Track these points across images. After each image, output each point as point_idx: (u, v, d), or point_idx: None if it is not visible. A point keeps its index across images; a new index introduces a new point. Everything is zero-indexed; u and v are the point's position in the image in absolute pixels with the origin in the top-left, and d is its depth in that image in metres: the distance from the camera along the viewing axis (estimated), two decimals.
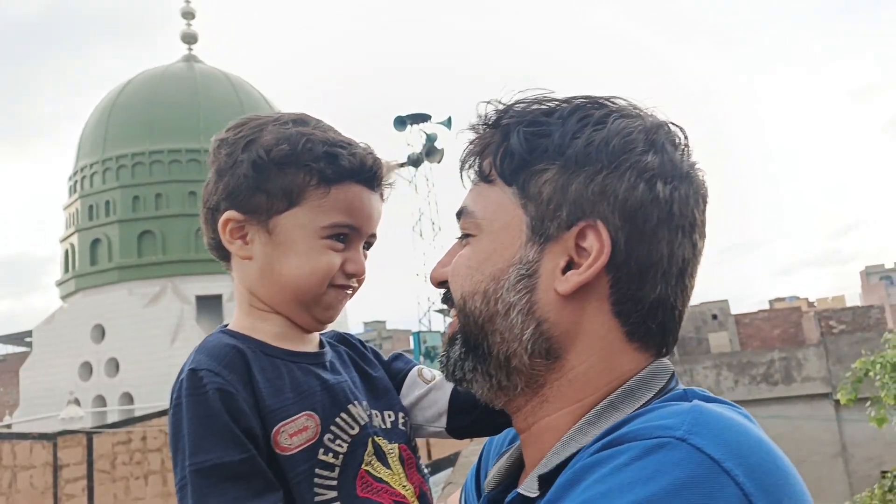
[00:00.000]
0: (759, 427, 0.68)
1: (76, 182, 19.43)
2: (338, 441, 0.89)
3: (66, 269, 19.14)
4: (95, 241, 18.58)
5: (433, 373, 1.04)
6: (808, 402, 19.64)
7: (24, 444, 9.68)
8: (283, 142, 0.95)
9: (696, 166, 0.77)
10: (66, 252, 19.25)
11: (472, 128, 0.79)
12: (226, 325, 0.99)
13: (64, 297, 19.69)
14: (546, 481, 0.67)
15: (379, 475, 0.92)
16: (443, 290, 0.83)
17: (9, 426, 16.92)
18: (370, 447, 0.92)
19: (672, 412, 0.63)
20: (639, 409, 0.69)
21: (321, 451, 0.88)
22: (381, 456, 0.93)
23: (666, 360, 0.77)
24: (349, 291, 0.99)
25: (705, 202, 0.77)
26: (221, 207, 0.96)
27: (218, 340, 0.91)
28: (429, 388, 1.03)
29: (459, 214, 0.80)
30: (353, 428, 0.91)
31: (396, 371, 1.05)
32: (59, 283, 19.41)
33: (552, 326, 0.72)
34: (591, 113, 0.74)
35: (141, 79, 19.68)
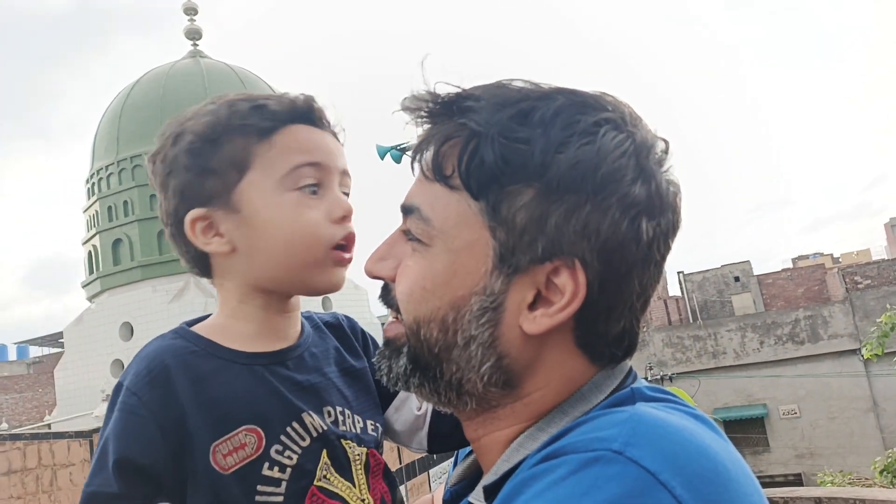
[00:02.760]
0: (710, 427, 0.64)
1: (94, 184, 19.64)
2: (287, 452, 0.84)
3: (91, 271, 19.43)
4: (117, 241, 18.82)
5: None
6: (836, 359, 19.43)
7: (61, 442, 9.91)
8: (207, 116, 0.90)
9: (677, 183, 0.69)
10: (90, 253, 19.53)
11: (427, 106, 0.68)
12: (198, 319, 0.93)
13: (91, 298, 20.00)
14: (492, 491, 0.65)
15: (334, 489, 0.86)
16: (380, 283, 0.74)
17: (48, 426, 17.34)
18: (324, 459, 0.86)
19: (610, 421, 0.60)
20: (587, 412, 0.65)
21: (265, 465, 0.82)
22: (342, 464, 0.88)
23: (625, 362, 0.72)
24: (348, 253, 0.90)
25: (679, 225, 0.70)
26: (180, 214, 0.90)
27: (154, 348, 0.85)
28: (417, 414, 0.99)
29: (407, 210, 0.69)
30: (303, 439, 0.85)
31: None
32: (85, 285, 19.71)
33: (513, 362, 0.67)
34: (577, 119, 0.64)
35: (148, 77, 19.75)
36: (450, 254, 0.67)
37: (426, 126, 0.68)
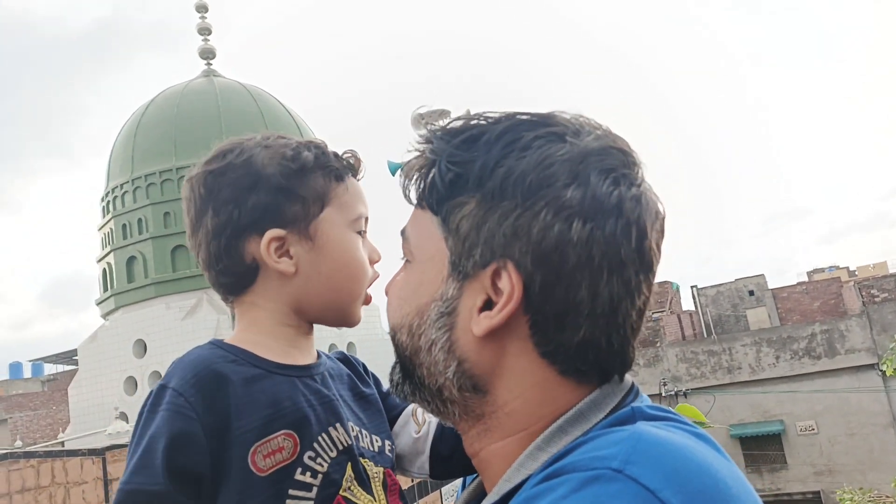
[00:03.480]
0: (711, 446, 0.65)
1: (108, 202, 19.84)
2: (318, 460, 0.87)
3: (105, 288, 19.56)
4: (131, 259, 18.96)
5: (426, 415, 1.02)
6: (854, 373, 19.18)
7: (74, 460, 9.95)
8: (302, 149, 0.99)
9: (634, 193, 0.69)
10: (104, 271, 19.68)
11: (420, 145, 0.76)
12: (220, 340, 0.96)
13: (105, 315, 20.12)
14: None
15: (358, 501, 0.89)
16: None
17: (61, 443, 17.39)
18: (349, 472, 0.89)
19: (611, 440, 0.61)
20: (588, 431, 0.66)
21: (299, 470, 0.85)
22: (363, 480, 0.91)
23: (626, 378, 0.73)
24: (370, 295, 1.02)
25: (645, 232, 0.69)
26: (252, 230, 0.94)
27: (197, 356, 0.88)
28: (416, 437, 1.02)
29: (401, 235, 0.79)
30: (332, 450, 0.89)
31: (392, 405, 1.04)
32: (100, 302, 19.84)
33: (473, 366, 0.70)
34: (520, 136, 0.69)
35: (163, 97, 19.98)
36: (419, 266, 0.74)
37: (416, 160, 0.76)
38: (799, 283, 28.01)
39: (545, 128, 0.70)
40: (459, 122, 0.73)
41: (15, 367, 38.50)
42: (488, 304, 0.69)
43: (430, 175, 0.71)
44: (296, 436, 0.86)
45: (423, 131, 0.76)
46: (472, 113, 0.75)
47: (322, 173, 0.99)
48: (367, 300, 1.01)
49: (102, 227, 19.63)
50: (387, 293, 0.80)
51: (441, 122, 0.76)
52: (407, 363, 0.74)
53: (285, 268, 0.94)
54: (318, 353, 1.01)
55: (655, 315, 23.98)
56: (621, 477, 0.56)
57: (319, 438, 0.88)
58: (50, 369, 37.33)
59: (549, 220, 0.66)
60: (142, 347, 18.38)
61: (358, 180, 1.05)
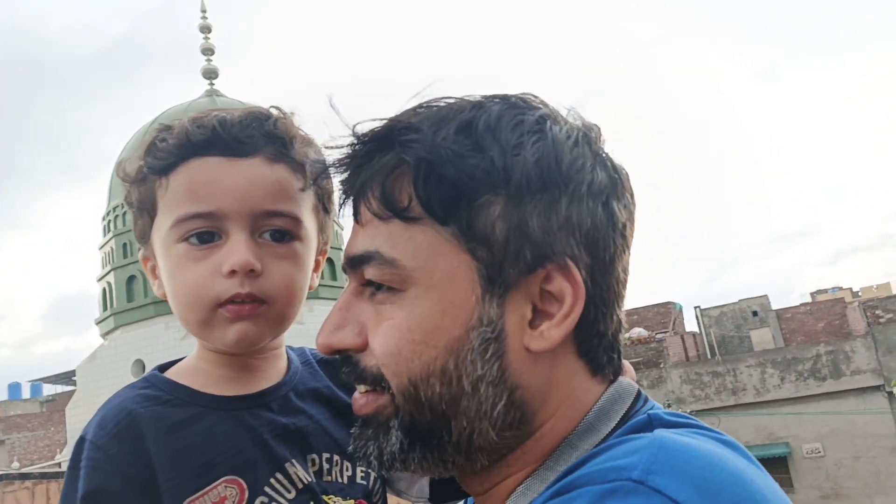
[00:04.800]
0: (741, 454, 0.57)
1: (109, 222, 19.89)
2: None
3: (105, 307, 19.52)
4: (131, 278, 18.93)
5: None
6: (860, 395, 18.99)
7: None
8: (133, 152, 0.84)
9: (625, 168, 0.66)
10: (104, 290, 19.65)
11: (355, 147, 0.62)
12: (173, 362, 0.87)
13: (104, 335, 20.07)
14: None
15: None
16: (336, 356, 0.66)
17: (58, 465, 17.21)
18: None
19: (629, 449, 0.54)
20: (599, 443, 0.59)
21: None
22: None
23: (626, 380, 0.66)
24: (245, 305, 0.77)
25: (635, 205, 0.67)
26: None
27: (120, 402, 0.78)
28: None
29: (360, 260, 0.62)
30: (288, 491, 0.78)
31: None
32: (99, 322, 19.80)
33: (525, 391, 0.60)
34: (520, 118, 0.61)
35: (165, 116, 20.20)
36: (431, 291, 0.60)
37: (356, 167, 0.63)
38: (803, 304, 27.91)
39: (536, 109, 0.63)
40: (428, 111, 0.62)
41: (14, 388, 38.35)
42: (533, 315, 0.60)
43: (430, 178, 0.59)
44: (241, 481, 0.75)
45: (371, 124, 0.62)
46: (419, 103, 0.63)
47: (145, 173, 0.81)
48: (236, 314, 0.77)
49: (103, 245, 19.64)
50: (343, 348, 0.63)
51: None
52: (433, 420, 0.60)
53: (156, 290, 0.85)
54: (290, 364, 0.89)
55: (659, 336, 23.82)
56: (643, 489, 0.48)
57: (272, 480, 0.77)
58: (49, 390, 37.17)
59: (592, 206, 0.60)
60: (140, 367, 18.24)
61: (247, 157, 0.79)
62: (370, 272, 0.62)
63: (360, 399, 0.64)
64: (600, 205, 0.61)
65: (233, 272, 0.76)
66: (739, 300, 27.00)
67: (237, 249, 0.76)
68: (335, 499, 0.81)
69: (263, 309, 0.78)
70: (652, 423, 0.60)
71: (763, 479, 0.55)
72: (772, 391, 19.75)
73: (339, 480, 0.83)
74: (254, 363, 0.85)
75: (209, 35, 20.40)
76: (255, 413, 0.80)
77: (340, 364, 0.66)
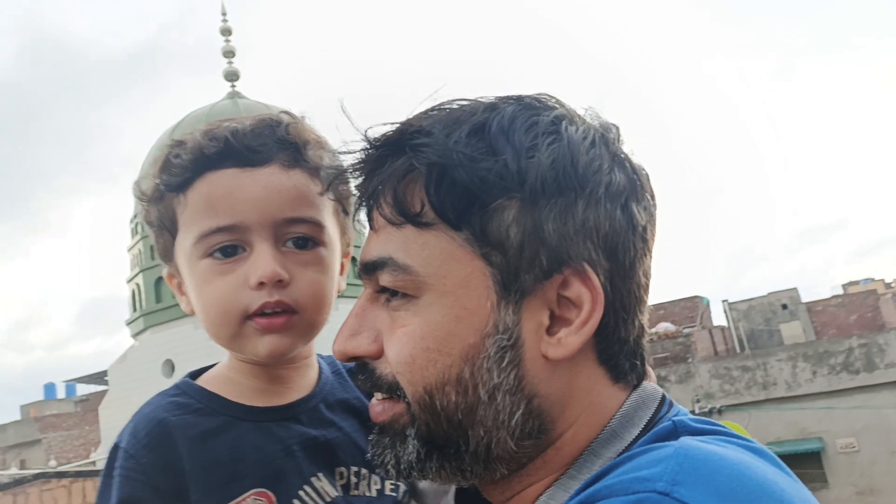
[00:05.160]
0: (772, 462, 0.55)
1: (137, 224, 20.21)
2: None
3: (135, 309, 19.85)
4: (159, 280, 19.20)
5: None
6: (895, 388, 18.57)
7: None
8: (147, 170, 0.83)
9: (645, 169, 0.64)
10: (133, 292, 19.98)
11: (367, 152, 0.61)
12: (204, 369, 0.87)
13: (135, 336, 20.41)
14: None
15: None
16: (352, 363, 0.66)
17: (93, 463, 17.55)
18: None
19: (653, 458, 0.52)
20: (623, 452, 0.58)
21: None
22: None
23: (650, 385, 0.64)
24: (276, 317, 0.76)
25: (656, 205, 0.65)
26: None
27: (152, 410, 0.78)
28: None
29: (374, 266, 0.61)
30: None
31: None
32: (129, 323, 20.13)
33: (543, 400, 0.59)
34: (534, 120, 0.59)
35: (189, 119, 20.41)
36: (445, 298, 0.59)
37: (369, 173, 0.62)
38: (834, 297, 27.37)
39: (551, 110, 0.61)
40: (440, 114, 0.61)
41: (49, 388, 39.23)
42: (550, 322, 0.59)
43: (442, 182, 0.57)
44: (271, 494, 0.75)
45: (375, 129, 0.61)
46: (432, 107, 0.62)
47: (164, 191, 0.80)
48: (265, 327, 0.77)
49: (131, 248, 19.97)
50: (359, 355, 0.63)
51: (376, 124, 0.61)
52: (449, 430, 0.59)
53: (183, 307, 0.84)
54: (320, 374, 0.88)
55: (686, 330, 23.54)
56: (669, 501, 0.47)
57: (301, 493, 0.76)
58: (83, 389, 37.92)
59: (610, 208, 0.58)
60: (170, 367, 18.54)
61: (263, 167, 0.78)
62: (384, 278, 0.61)
63: (377, 406, 0.64)
64: (619, 207, 0.59)
65: (261, 284, 0.75)
66: (768, 293, 26.59)
67: (263, 261, 0.75)
68: None
69: (294, 320, 0.78)
70: (677, 431, 0.58)
71: (795, 489, 0.53)
72: (803, 385, 19.39)
73: (368, 494, 0.82)
74: (284, 373, 0.84)
75: (230, 38, 20.60)
76: (284, 425, 0.80)
77: (357, 371, 0.65)
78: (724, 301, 26.64)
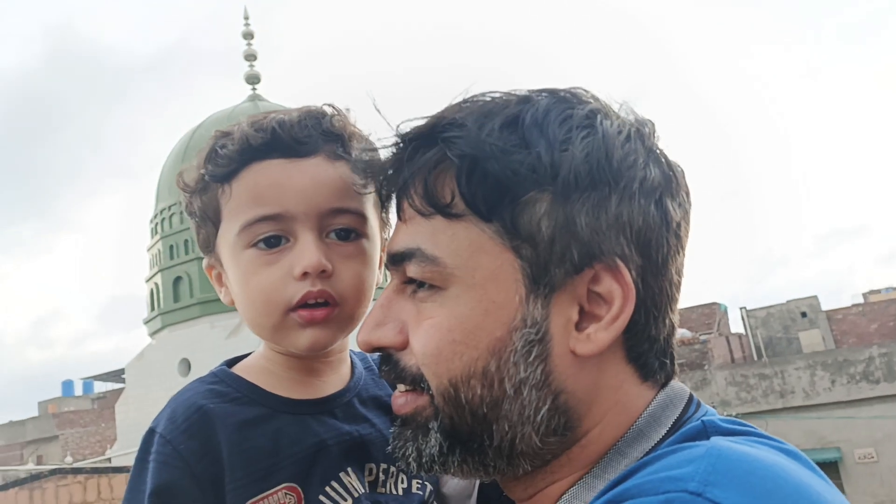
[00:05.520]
0: (805, 465, 0.54)
1: (156, 224, 20.43)
2: None
3: (152, 308, 20.03)
4: (177, 279, 19.40)
5: None
6: None
7: (120, 476, 10.14)
8: (209, 147, 0.83)
9: (680, 165, 0.64)
10: (151, 291, 20.17)
11: (400, 145, 0.61)
12: (238, 358, 0.87)
13: (152, 334, 20.59)
14: None
15: None
16: (377, 355, 0.66)
17: (108, 460, 17.74)
18: None
19: (684, 458, 0.51)
20: (649, 451, 0.57)
21: None
22: None
23: (678, 384, 0.63)
24: (318, 310, 0.76)
25: (691, 203, 0.64)
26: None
27: (191, 395, 0.78)
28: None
29: (402, 257, 0.61)
30: (345, 500, 0.77)
31: None
32: (147, 321, 20.31)
33: (570, 397, 0.58)
34: (568, 113, 0.59)
35: (210, 121, 20.62)
36: (473, 290, 0.58)
37: (400, 164, 0.62)
38: (855, 305, 26.96)
39: (585, 104, 0.61)
40: (473, 106, 0.60)
41: (67, 385, 39.69)
42: (579, 318, 0.58)
43: (474, 174, 0.57)
44: (300, 489, 0.75)
45: (406, 124, 0.61)
46: (464, 98, 0.62)
47: (207, 182, 0.80)
48: (308, 320, 0.76)
49: (151, 248, 20.18)
50: (384, 346, 0.63)
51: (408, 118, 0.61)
52: (473, 424, 0.58)
53: (223, 298, 0.84)
54: (353, 369, 0.88)
55: (703, 337, 23.33)
56: (702, 501, 0.46)
57: (328, 489, 0.76)
58: (100, 387, 38.33)
59: (644, 204, 0.57)
60: (186, 366, 18.68)
61: (308, 158, 0.78)
62: (412, 269, 0.61)
63: (400, 398, 0.63)
64: (653, 203, 0.58)
65: (305, 274, 0.75)
66: (787, 301, 26.29)
67: (308, 251, 0.76)
68: None
69: (336, 312, 0.78)
70: (707, 431, 0.57)
71: (830, 493, 0.51)
72: (822, 394, 19.13)
73: (394, 492, 0.82)
74: (319, 366, 0.84)
75: (252, 41, 20.77)
76: (320, 419, 0.80)
77: (381, 362, 0.65)
78: (741, 308, 26.38)
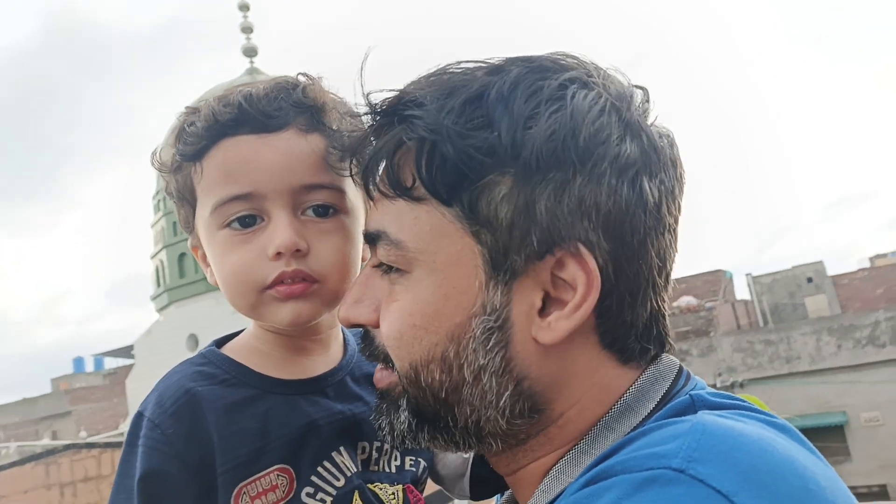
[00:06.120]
0: (794, 439, 0.53)
1: (158, 201, 20.42)
2: (319, 495, 0.74)
3: (158, 284, 20.13)
4: (182, 256, 19.45)
5: None
6: None
7: None
8: (178, 123, 0.80)
9: (671, 135, 0.59)
10: (157, 268, 20.25)
11: (372, 120, 0.60)
12: (229, 336, 0.85)
13: (159, 311, 20.74)
14: None
15: None
16: (359, 330, 0.67)
17: (121, 434, 18.03)
18: (357, 501, 0.76)
19: (669, 434, 0.50)
20: (638, 426, 0.55)
21: None
22: None
23: (668, 357, 0.61)
24: (295, 285, 0.74)
25: (685, 180, 0.60)
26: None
27: (179, 378, 0.76)
28: (465, 458, 0.88)
29: (373, 238, 0.61)
30: (337, 479, 0.76)
31: None
32: (154, 298, 20.44)
33: (534, 383, 0.57)
34: (538, 85, 0.55)
35: (207, 96, 20.50)
36: (434, 275, 0.57)
37: (365, 143, 0.60)
38: (860, 270, 26.94)
39: (562, 72, 0.57)
40: (439, 80, 0.57)
41: (78, 362, 40.18)
42: (544, 303, 0.56)
43: (433, 157, 0.55)
44: (291, 470, 0.74)
45: (382, 95, 0.58)
46: (438, 68, 0.58)
47: (180, 161, 0.78)
48: (286, 295, 0.75)
49: (154, 224, 20.21)
50: (359, 323, 0.63)
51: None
52: (436, 405, 0.58)
53: (209, 278, 0.83)
54: (346, 346, 0.87)
55: (709, 304, 23.37)
56: (685, 478, 0.45)
57: (320, 469, 0.75)
58: (110, 363, 38.78)
59: (615, 184, 0.54)
60: (194, 341, 18.84)
61: (277, 132, 0.75)
62: (380, 252, 0.60)
63: (378, 373, 0.64)
64: (626, 182, 0.55)
65: (279, 254, 0.74)
66: (793, 267, 26.25)
67: (280, 230, 0.73)
68: (382, 486, 0.79)
69: (315, 287, 0.76)
70: (695, 405, 0.56)
71: (819, 467, 0.50)
72: (827, 359, 19.22)
73: (387, 470, 0.81)
74: (308, 345, 0.83)
75: (247, 13, 20.52)
76: (311, 399, 0.78)
77: (362, 338, 0.65)
78: (747, 275, 26.38)
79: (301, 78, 0.80)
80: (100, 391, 32.47)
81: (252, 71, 20.66)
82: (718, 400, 0.57)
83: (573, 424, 0.58)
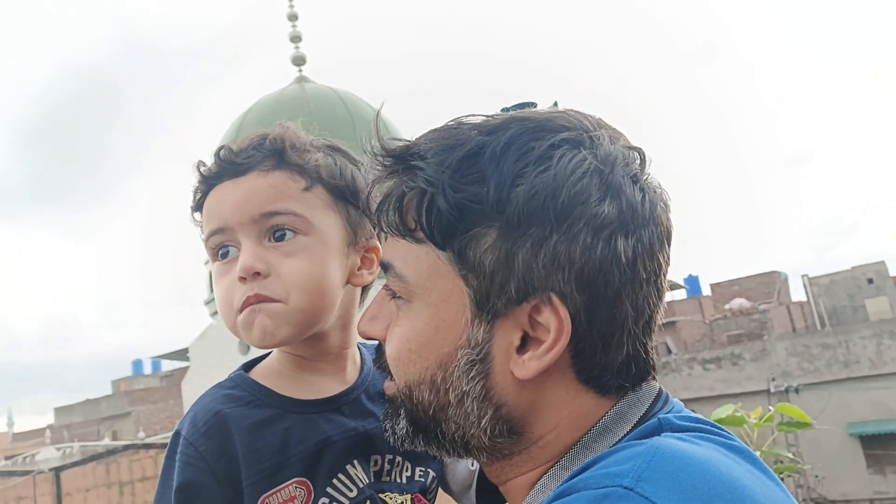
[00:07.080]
0: (748, 460, 0.58)
1: None
2: None
3: (211, 289, 20.68)
4: None
5: None
6: None
7: None
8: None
9: (660, 196, 0.65)
10: (210, 273, 20.79)
11: (383, 162, 0.67)
12: (257, 360, 0.95)
13: (212, 315, 21.26)
14: None
15: None
16: (374, 343, 0.76)
17: None
18: None
19: (626, 455, 0.56)
20: (615, 444, 0.61)
21: None
22: None
23: (650, 383, 0.67)
24: (255, 306, 0.83)
25: (671, 233, 0.65)
26: None
27: (208, 401, 0.85)
28: (471, 471, 0.95)
29: (385, 267, 0.69)
30: (351, 490, 0.84)
31: None
32: (207, 302, 20.99)
33: (512, 409, 0.64)
34: (530, 146, 0.61)
35: (259, 106, 20.94)
36: (429, 308, 0.65)
37: (378, 183, 0.68)
38: None
39: (555, 133, 0.63)
40: (442, 135, 0.65)
41: (137, 364, 41.58)
42: (524, 341, 0.63)
43: (431, 206, 0.63)
44: (309, 483, 0.82)
45: (389, 146, 0.66)
46: (449, 121, 0.66)
47: (192, 210, 0.92)
48: (252, 338, 0.85)
49: None
50: (373, 337, 0.73)
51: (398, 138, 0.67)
52: (427, 420, 0.67)
53: None
54: (363, 365, 0.95)
55: (762, 306, 22.73)
56: (632, 495, 0.51)
57: (335, 481, 0.84)
58: (167, 365, 39.99)
59: (591, 242, 0.60)
60: (245, 346, 19.29)
61: (242, 176, 0.86)
62: (389, 280, 0.69)
63: (387, 382, 0.73)
64: (601, 241, 0.60)
65: (242, 279, 0.83)
66: (853, 267, 25.31)
67: (241, 256, 0.84)
68: (392, 495, 0.87)
69: (278, 307, 0.83)
70: (661, 427, 0.62)
71: (764, 489, 0.55)
72: (889, 364, 18.43)
73: (398, 480, 0.89)
74: (322, 365, 0.91)
75: (296, 23, 20.93)
76: (327, 416, 0.87)
77: (376, 349, 0.75)
78: (803, 276, 25.55)
79: (276, 128, 0.91)
80: (157, 392, 33.52)
81: (301, 79, 21.07)
82: (683, 423, 0.63)
83: (552, 445, 0.65)
